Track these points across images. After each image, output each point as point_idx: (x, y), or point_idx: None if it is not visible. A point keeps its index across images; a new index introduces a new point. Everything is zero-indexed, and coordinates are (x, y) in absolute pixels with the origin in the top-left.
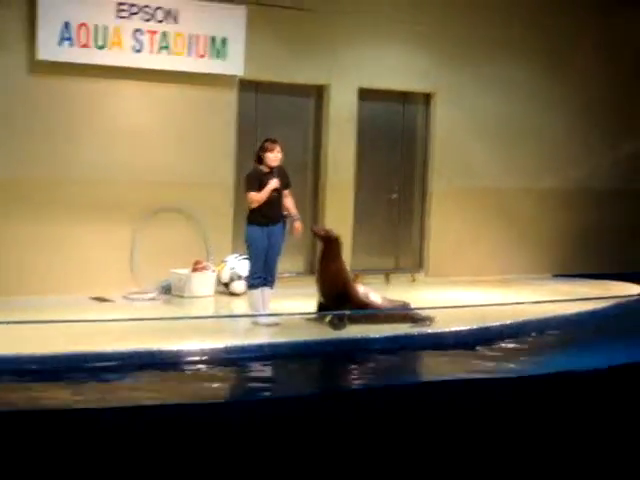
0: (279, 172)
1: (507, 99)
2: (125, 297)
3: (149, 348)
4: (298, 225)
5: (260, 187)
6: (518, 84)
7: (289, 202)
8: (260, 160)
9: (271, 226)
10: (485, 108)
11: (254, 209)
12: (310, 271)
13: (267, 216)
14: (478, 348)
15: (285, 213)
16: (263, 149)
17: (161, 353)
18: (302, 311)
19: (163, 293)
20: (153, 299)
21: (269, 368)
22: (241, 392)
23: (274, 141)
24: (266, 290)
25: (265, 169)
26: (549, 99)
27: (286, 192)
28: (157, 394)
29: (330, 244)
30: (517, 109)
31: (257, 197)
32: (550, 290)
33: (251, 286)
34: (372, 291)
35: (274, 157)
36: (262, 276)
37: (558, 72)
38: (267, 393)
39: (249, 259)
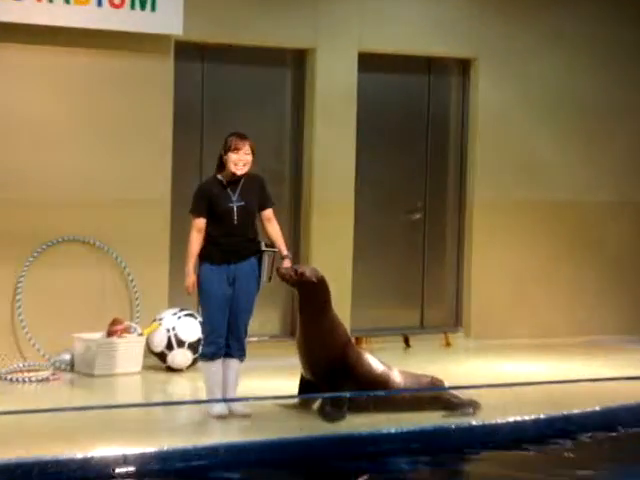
0: (251, 184)
1: (585, 65)
2: (2, 377)
3: (37, 457)
4: (283, 269)
5: (211, 208)
6: (601, 42)
7: (271, 228)
8: (221, 164)
9: (234, 265)
10: (552, 78)
11: (207, 240)
12: (290, 333)
13: (228, 250)
14: (549, 447)
15: (265, 245)
16: (224, 147)
17: (57, 464)
18: (278, 394)
19: (62, 370)
20: (47, 379)
21: None
22: None
23: (242, 136)
24: (232, 362)
25: (224, 179)
26: None
27: (265, 213)
28: None
29: (310, 291)
30: (601, 79)
31: (190, 242)
32: None
33: (205, 356)
34: (384, 362)
35: (238, 160)
36: (220, 341)
37: None
38: None
39: (202, 314)
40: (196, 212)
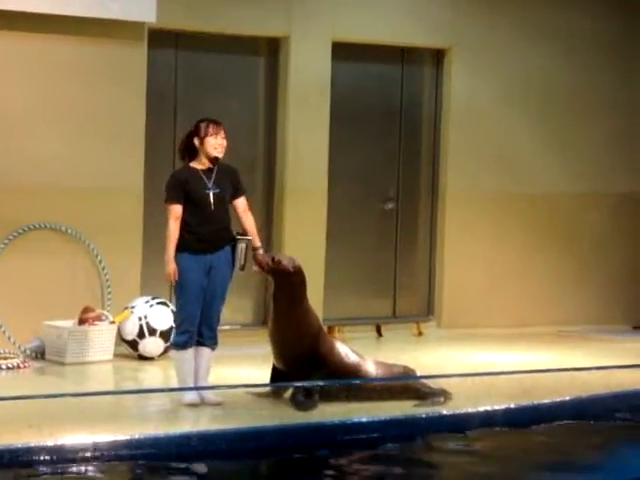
0: (224, 172)
1: (562, 57)
2: None
3: (7, 445)
4: (260, 256)
5: (187, 195)
6: (580, 34)
7: (245, 218)
8: (191, 153)
9: (210, 255)
10: (527, 68)
11: (184, 229)
12: (262, 322)
13: (204, 238)
14: (519, 436)
15: (237, 234)
16: (199, 132)
17: (27, 451)
18: (250, 383)
19: (33, 357)
20: (17, 367)
21: (199, 471)
22: None
23: (216, 121)
24: (204, 351)
25: (198, 166)
26: (629, 57)
27: (238, 202)
28: None
29: (286, 280)
30: (578, 73)
31: (169, 230)
32: (630, 350)
33: (177, 345)
34: (356, 351)
35: (217, 144)
36: (192, 330)
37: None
38: None
39: (176, 303)
40: (172, 200)
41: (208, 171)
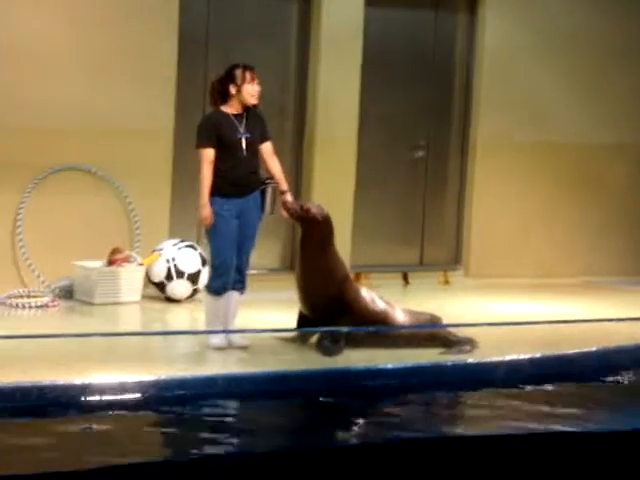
0: (254, 116)
1: (593, 6)
2: (3, 302)
3: (35, 382)
4: (288, 199)
5: (219, 139)
6: None
7: (272, 162)
8: (224, 97)
9: (241, 198)
10: (561, 19)
11: (215, 173)
12: (289, 267)
13: (237, 183)
14: (544, 387)
15: (266, 179)
16: (234, 79)
17: (55, 389)
18: (276, 327)
19: (62, 297)
20: (46, 306)
21: (225, 414)
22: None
23: (252, 67)
24: (234, 295)
25: (232, 110)
26: None
27: (265, 147)
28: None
29: (314, 228)
30: (608, 22)
31: (203, 175)
32: None
33: (213, 290)
34: (383, 298)
35: (254, 92)
36: (230, 275)
37: None
38: (218, 449)
39: (210, 248)
40: (205, 144)
41: (239, 116)
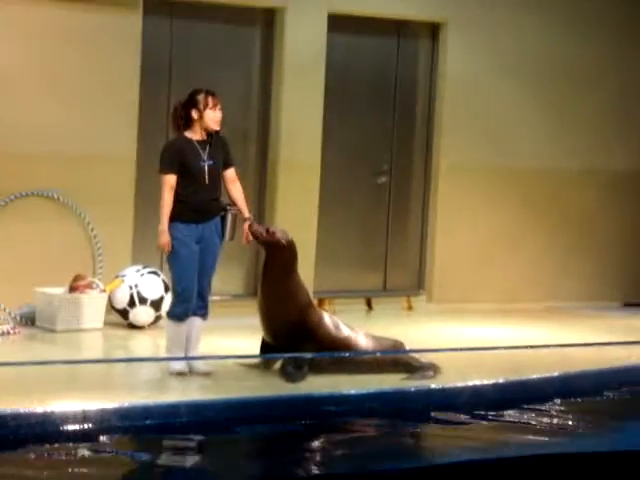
0: (218, 143)
1: (557, 30)
2: None
3: None
4: (255, 226)
5: (182, 166)
6: (574, 7)
7: (234, 189)
8: (186, 123)
9: (202, 224)
10: (524, 43)
11: (176, 199)
12: (252, 293)
13: (197, 209)
14: (506, 413)
15: (226, 205)
16: (196, 104)
17: (16, 418)
18: (240, 354)
19: (23, 324)
20: (7, 333)
21: (188, 442)
22: None
23: (213, 92)
24: (195, 321)
25: (195, 136)
26: (624, 30)
27: (228, 173)
28: None
29: (278, 252)
30: (573, 46)
31: (164, 200)
32: (620, 327)
33: (174, 316)
34: (346, 324)
35: (216, 117)
36: (190, 302)
37: None
38: None
39: (172, 274)
40: (167, 169)
41: (203, 142)
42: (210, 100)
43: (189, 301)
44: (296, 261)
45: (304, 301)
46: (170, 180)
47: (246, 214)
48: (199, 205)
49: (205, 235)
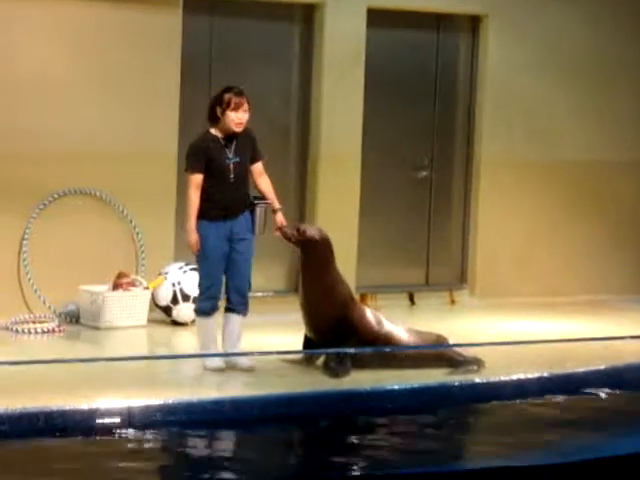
0: (245, 139)
1: (597, 23)
2: (8, 327)
3: (42, 407)
4: (280, 219)
5: (208, 164)
6: (617, 3)
7: (263, 182)
8: (214, 119)
9: (230, 221)
10: (563, 37)
11: (203, 197)
12: (294, 289)
13: (224, 206)
14: (554, 404)
15: (254, 198)
16: (221, 103)
17: (62, 414)
18: (282, 349)
19: (67, 322)
20: (52, 331)
21: (232, 438)
22: None
23: (240, 93)
24: (234, 317)
25: (219, 134)
26: None
27: (256, 167)
28: None
29: (313, 249)
30: (614, 39)
31: (190, 199)
32: None
33: (201, 311)
34: (388, 319)
35: (237, 119)
36: (217, 297)
37: None
38: None
39: (199, 270)
40: (194, 169)
41: (229, 139)
42: (233, 101)
43: (216, 297)
44: (332, 256)
45: (345, 296)
46: (196, 179)
47: (276, 205)
48: (226, 202)
49: (235, 231)
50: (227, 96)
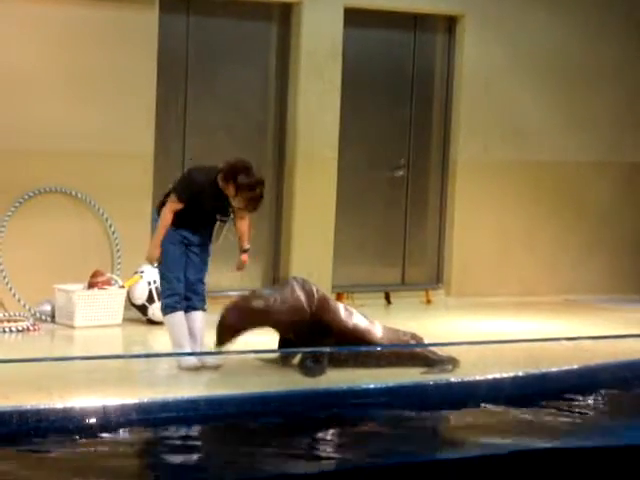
0: None
1: (573, 25)
2: None
3: (16, 407)
4: (244, 259)
5: (194, 202)
6: (590, 2)
7: (243, 224)
8: (227, 179)
9: (191, 238)
10: (540, 38)
11: (176, 215)
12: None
13: (192, 230)
14: (524, 408)
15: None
16: (235, 178)
17: (37, 414)
18: (258, 348)
19: (43, 320)
20: (27, 329)
21: (206, 435)
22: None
23: (260, 182)
24: (195, 314)
25: (221, 189)
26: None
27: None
28: None
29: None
30: (588, 41)
31: (164, 219)
32: (637, 320)
33: (167, 307)
34: (364, 316)
35: (244, 204)
36: (179, 292)
37: None
38: None
39: (160, 272)
40: (179, 197)
41: (222, 195)
42: (252, 182)
43: (177, 292)
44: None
45: (321, 295)
46: (177, 205)
47: (245, 246)
48: (195, 230)
49: (192, 240)
50: (243, 179)
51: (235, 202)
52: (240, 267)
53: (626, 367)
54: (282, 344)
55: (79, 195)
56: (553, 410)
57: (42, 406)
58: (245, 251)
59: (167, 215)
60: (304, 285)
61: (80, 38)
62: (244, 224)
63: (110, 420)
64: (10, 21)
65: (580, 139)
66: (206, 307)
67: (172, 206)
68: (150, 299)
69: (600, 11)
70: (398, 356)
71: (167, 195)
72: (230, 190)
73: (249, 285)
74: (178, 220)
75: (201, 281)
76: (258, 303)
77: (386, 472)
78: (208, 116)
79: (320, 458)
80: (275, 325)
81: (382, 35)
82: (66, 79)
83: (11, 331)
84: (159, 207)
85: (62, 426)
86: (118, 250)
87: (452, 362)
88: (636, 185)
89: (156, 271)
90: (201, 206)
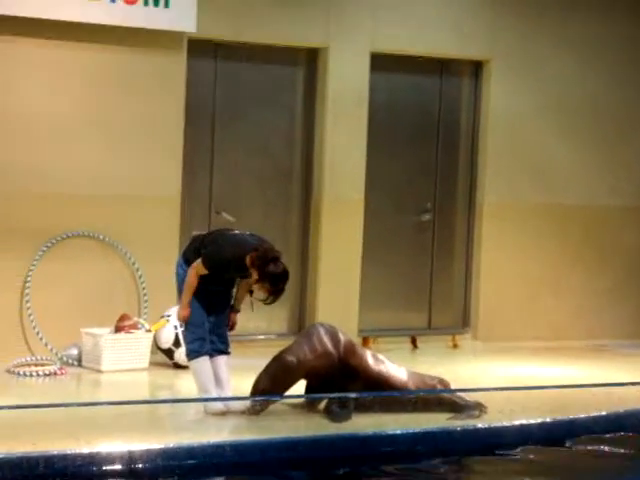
0: None
1: (600, 69)
2: (9, 371)
3: (43, 452)
4: (234, 319)
5: (218, 270)
6: (618, 47)
7: (245, 288)
8: (254, 264)
9: (213, 287)
10: (567, 82)
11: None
12: (296, 331)
13: (215, 282)
14: (554, 451)
15: None
16: (263, 267)
17: (63, 459)
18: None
19: (70, 364)
20: (54, 374)
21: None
22: None
23: (285, 276)
24: (219, 358)
25: (247, 273)
26: None
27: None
28: None
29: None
30: (617, 85)
31: (190, 283)
32: None
33: (192, 351)
34: (390, 362)
35: (265, 294)
36: (204, 336)
37: None
38: None
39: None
40: (209, 266)
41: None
42: (280, 278)
43: (202, 337)
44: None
45: (347, 341)
46: (204, 272)
47: (238, 307)
48: (217, 282)
49: (216, 287)
50: (273, 272)
51: (255, 287)
52: (232, 327)
53: None
54: (308, 389)
55: (106, 239)
56: (582, 455)
57: (69, 451)
58: (237, 311)
59: (193, 279)
60: (329, 330)
61: (109, 83)
62: (247, 288)
63: (136, 465)
64: (42, 67)
65: (607, 184)
66: (230, 350)
67: (199, 270)
68: (176, 343)
69: (629, 57)
70: (424, 401)
71: (193, 241)
72: (254, 275)
73: (276, 329)
74: (202, 276)
75: (224, 324)
76: (291, 360)
77: None
78: (235, 159)
79: None
80: (307, 376)
81: (408, 80)
82: (95, 124)
83: (38, 375)
84: (185, 255)
85: (88, 471)
86: (145, 294)
87: (479, 407)
88: None
89: None
90: (225, 273)
